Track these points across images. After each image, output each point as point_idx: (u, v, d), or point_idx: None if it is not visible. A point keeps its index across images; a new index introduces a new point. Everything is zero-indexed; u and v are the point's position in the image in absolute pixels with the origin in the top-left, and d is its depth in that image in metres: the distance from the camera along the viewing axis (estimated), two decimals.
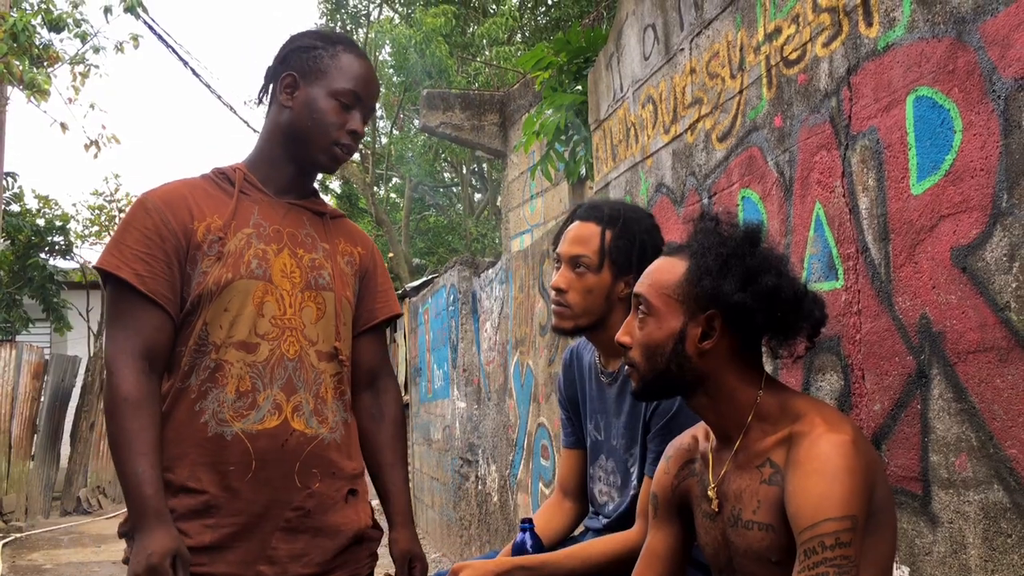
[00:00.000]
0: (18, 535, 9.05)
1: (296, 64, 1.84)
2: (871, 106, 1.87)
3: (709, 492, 1.61)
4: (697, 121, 2.64)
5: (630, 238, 1.98)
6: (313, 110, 1.81)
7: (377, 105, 1.92)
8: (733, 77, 2.43)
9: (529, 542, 2.01)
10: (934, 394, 1.70)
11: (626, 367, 1.65)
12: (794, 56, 2.14)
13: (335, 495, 1.83)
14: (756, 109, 2.32)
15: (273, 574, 1.74)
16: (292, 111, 1.83)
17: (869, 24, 1.87)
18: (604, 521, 2.06)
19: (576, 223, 2.04)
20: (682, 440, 1.74)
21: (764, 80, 2.27)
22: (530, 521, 2.05)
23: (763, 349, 1.62)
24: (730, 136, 2.45)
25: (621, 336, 1.63)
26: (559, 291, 2.00)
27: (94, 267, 1.80)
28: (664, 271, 1.60)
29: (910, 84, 1.75)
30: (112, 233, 1.90)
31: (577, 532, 2.24)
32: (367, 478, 1.98)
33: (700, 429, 1.71)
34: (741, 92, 2.39)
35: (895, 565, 1.79)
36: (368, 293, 1.98)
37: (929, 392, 1.71)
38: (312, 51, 1.84)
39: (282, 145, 1.86)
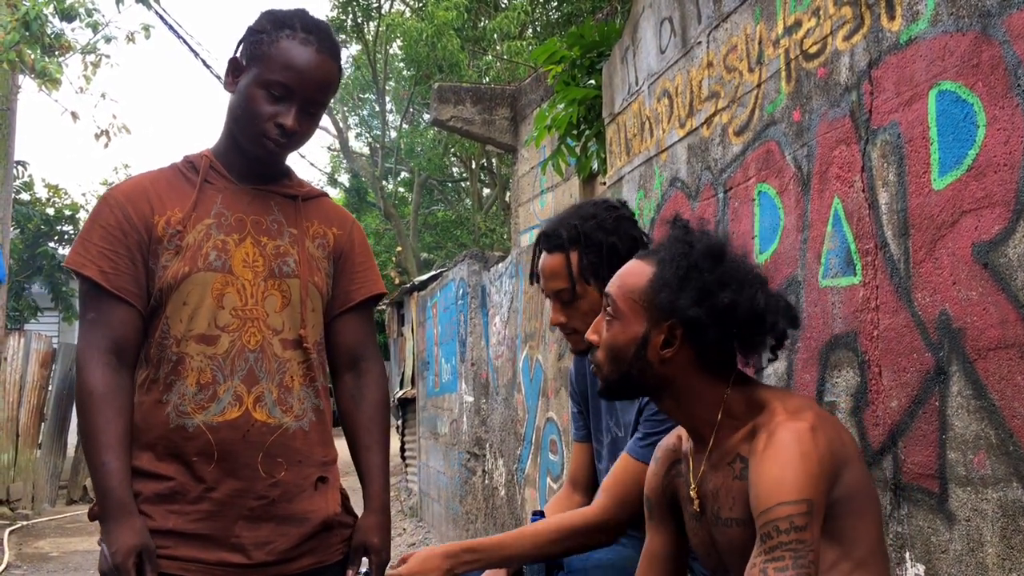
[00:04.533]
0: (24, 523, 9.09)
1: (244, 48, 1.81)
2: (892, 100, 1.85)
3: (691, 493, 1.61)
4: (714, 115, 2.62)
5: (596, 250, 1.96)
6: (243, 97, 1.77)
7: (324, 99, 1.80)
8: (751, 71, 2.41)
9: None
10: (953, 391, 1.69)
11: (591, 366, 1.65)
12: (814, 50, 2.12)
13: (303, 483, 1.82)
14: (774, 103, 2.30)
15: (237, 560, 1.75)
16: (233, 96, 1.81)
17: (891, 17, 1.85)
18: None
19: (543, 256, 2.03)
20: (668, 440, 1.74)
21: (783, 74, 2.26)
22: (541, 513, 2.04)
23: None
24: (747, 130, 2.44)
25: (590, 334, 1.63)
26: (560, 325, 2.02)
27: (64, 265, 1.80)
28: (633, 275, 1.60)
29: (933, 78, 1.73)
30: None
31: None
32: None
33: (684, 428, 1.71)
34: (759, 86, 2.37)
35: (910, 563, 1.78)
36: (345, 274, 1.94)
37: (948, 389, 1.70)
38: (259, 35, 1.79)
39: (232, 131, 1.84)
